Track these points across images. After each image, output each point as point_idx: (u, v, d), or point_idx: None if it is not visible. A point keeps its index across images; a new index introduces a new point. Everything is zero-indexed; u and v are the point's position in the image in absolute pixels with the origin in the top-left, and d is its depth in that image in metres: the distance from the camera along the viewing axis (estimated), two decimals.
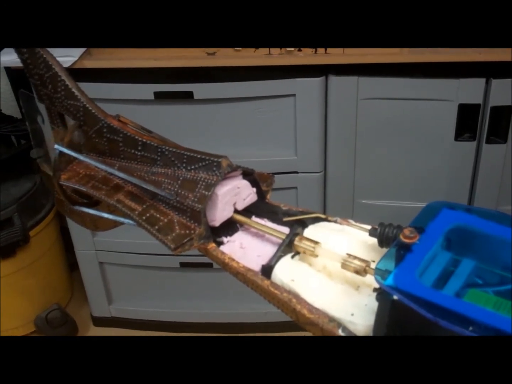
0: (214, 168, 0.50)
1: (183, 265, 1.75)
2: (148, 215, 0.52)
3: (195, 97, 1.48)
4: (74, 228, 1.74)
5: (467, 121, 1.46)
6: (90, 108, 0.57)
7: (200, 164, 0.51)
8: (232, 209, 0.52)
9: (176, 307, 1.86)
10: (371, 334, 0.40)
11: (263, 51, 1.40)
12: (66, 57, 1.34)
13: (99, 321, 1.96)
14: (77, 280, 1.99)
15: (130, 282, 1.86)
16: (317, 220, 0.51)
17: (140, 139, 0.55)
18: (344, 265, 0.44)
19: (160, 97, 1.48)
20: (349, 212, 1.62)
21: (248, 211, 0.53)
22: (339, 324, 0.42)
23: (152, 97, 1.48)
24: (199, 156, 0.51)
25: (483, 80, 1.41)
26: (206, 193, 0.50)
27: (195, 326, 1.86)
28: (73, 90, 0.58)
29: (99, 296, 1.89)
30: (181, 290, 1.84)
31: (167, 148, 0.53)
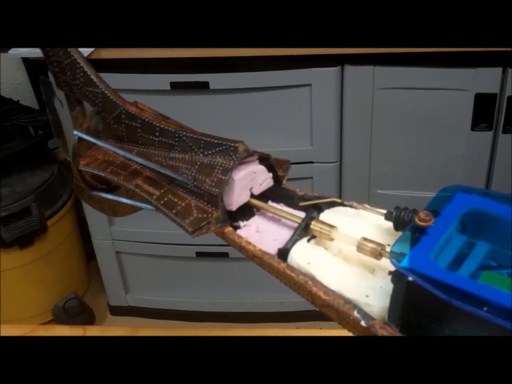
0: (231, 153, 0.51)
1: (199, 254, 1.76)
2: (166, 199, 0.53)
3: (211, 87, 1.48)
4: (91, 217, 1.75)
5: (483, 110, 1.46)
6: (108, 94, 0.58)
7: (217, 149, 0.51)
8: (249, 194, 0.53)
9: (192, 296, 1.88)
10: (386, 316, 0.41)
11: None
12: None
13: (116, 310, 1.98)
14: (94, 270, 2.01)
15: (147, 271, 1.88)
16: (332, 204, 0.51)
17: (157, 125, 0.56)
18: (359, 249, 0.44)
19: (176, 87, 1.49)
20: (364, 202, 1.62)
21: (264, 196, 0.54)
22: (354, 306, 0.42)
23: (168, 87, 1.49)
24: (216, 141, 0.52)
25: (499, 69, 1.40)
26: (223, 177, 0.50)
27: (211, 316, 1.87)
28: (92, 76, 0.58)
29: (116, 286, 1.91)
30: (197, 279, 1.86)
31: (184, 133, 0.54)
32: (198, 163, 0.53)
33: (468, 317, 0.35)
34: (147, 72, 1.49)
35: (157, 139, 0.56)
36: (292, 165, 0.57)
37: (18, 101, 1.90)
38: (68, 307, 1.89)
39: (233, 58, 1.43)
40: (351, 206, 0.51)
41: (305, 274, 0.45)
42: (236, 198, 0.52)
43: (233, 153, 0.51)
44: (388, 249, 0.42)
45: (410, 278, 0.38)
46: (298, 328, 1.81)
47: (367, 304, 0.42)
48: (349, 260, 0.47)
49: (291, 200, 0.53)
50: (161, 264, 1.84)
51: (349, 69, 1.45)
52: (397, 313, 0.40)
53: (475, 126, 1.48)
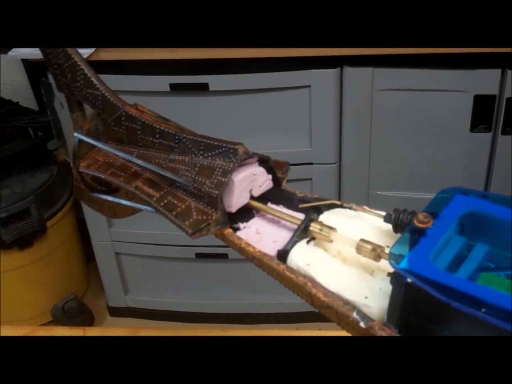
0: (231, 155, 0.51)
1: (199, 255, 1.76)
2: (166, 201, 0.53)
3: (211, 88, 1.49)
4: (91, 219, 1.75)
5: (482, 112, 1.46)
6: (108, 96, 0.58)
7: (217, 151, 0.52)
8: (248, 196, 0.53)
9: (191, 297, 1.88)
10: (385, 317, 0.41)
11: None
12: (82, 48, 1.35)
13: (115, 311, 1.98)
14: (94, 271, 2.01)
15: (146, 272, 1.88)
16: (332, 206, 0.51)
17: (157, 127, 0.56)
18: (358, 250, 0.45)
19: (176, 89, 1.49)
20: (364, 204, 1.61)
21: (264, 198, 0.54)
22: (353, 307, 0.42)
23: (167, 88, 1.49)
24: (216, 143, 0.52)
25: (498, 71, 1.40)
26: (223, 179, 0.50)
27: (210, 317, 1.87)
28: (92, 79, 0.58)
29: (115, 287, 1.91)
30: (196, 280, 1.86)
31: (184, 135, 0.54)
32: (198, 165, 0.53)
33: (467, 318, 0.35)
34: (146, 74, 1.49)
35: (157, 141, 0.56)
36: (291, 167, 0.57)
37: (18, 102, 1.91)
38: (67, 308, 1.89)
39: (233, 59, 1.43)
40: (350, 208, 0.51)
41: (305, 276, 0.46)
42: (236, 200, 0.52)
43: (233, 155, 0.51)
44: (387, 250, 0.43)
45: (409, 280, 0.38)
46: (297, 329, 1.81)
47: (366, 305, 0.42)
48: (348, 261, 0.47)
49: (290, 201, 0.54)
50: (160, 265, 1.84)
51: (348, 70, 1.46)
52: (396, 314, 0.40)
53: (474, 127, 1.48)
